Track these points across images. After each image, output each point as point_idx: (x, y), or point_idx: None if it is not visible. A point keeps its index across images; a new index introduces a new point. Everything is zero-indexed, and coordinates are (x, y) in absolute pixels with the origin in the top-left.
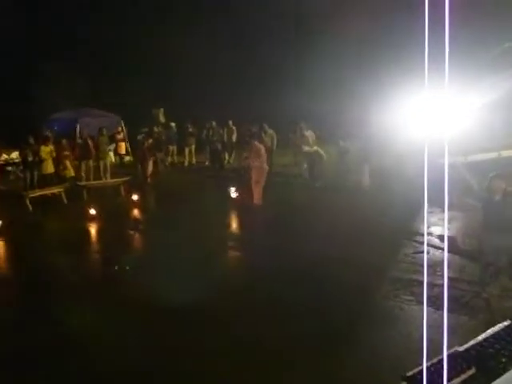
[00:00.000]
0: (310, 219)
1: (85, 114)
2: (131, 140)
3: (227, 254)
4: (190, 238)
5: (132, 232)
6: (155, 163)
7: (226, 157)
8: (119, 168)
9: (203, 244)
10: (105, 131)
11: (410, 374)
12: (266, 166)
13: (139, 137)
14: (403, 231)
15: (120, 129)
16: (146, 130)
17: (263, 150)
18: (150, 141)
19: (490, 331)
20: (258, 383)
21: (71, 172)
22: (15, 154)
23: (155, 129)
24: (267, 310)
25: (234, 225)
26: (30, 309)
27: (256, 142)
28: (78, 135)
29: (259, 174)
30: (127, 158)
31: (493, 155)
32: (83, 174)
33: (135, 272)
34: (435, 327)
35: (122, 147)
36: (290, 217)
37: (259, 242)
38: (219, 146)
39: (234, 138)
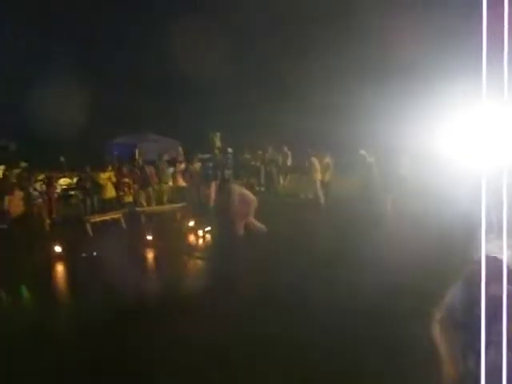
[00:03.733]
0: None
1: (143, 140)
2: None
3: None
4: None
5: (186, 258)
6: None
7: (281, 181)
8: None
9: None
10: (166, 157)
11: None
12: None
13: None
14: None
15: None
16: (206, 155)
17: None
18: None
19: None
20: None
21: (130, 197)
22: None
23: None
24: None
25: None
26: None
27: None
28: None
29: None
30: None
31: None
32: (143, 202)
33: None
34: None
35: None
36: None
37: None
38: (274, 171)
39: (289, 162)
